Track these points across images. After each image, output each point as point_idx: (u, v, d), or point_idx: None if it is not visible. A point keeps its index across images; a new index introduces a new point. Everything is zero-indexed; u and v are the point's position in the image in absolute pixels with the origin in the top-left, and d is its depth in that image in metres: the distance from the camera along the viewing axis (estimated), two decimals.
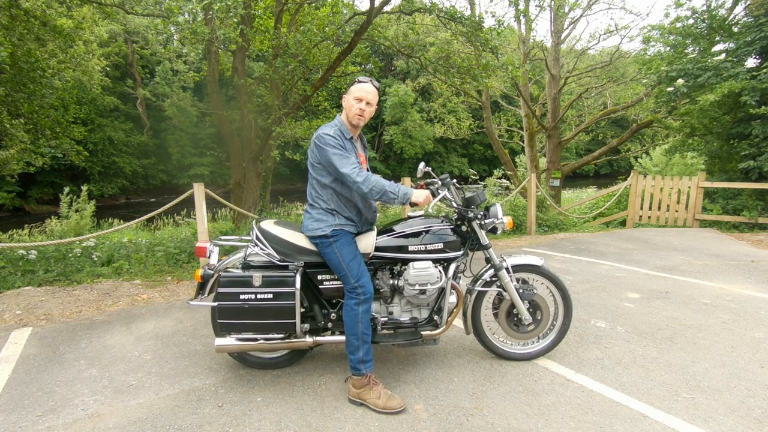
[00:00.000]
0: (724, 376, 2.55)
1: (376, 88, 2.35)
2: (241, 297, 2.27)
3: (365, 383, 2.27)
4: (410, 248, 2.45)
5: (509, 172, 12.36)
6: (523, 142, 13.37)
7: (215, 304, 2.32)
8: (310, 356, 2.81)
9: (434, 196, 2.48)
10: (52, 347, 2.99)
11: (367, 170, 2.48)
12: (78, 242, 5.16)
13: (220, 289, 2.28)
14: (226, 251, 2.70)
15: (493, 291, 2.66)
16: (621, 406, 2.24)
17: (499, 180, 11.24)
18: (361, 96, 2.29)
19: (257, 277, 2.29)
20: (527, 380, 2.51)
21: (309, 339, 2.44)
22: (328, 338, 2.48)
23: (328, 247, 2.32)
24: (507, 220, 2.54)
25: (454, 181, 2.59)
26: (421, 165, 2.63)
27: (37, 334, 3.22)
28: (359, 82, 2.33)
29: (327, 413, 2.21)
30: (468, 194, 2.53)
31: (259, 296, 2.27)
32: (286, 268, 2.40)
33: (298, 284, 2.30)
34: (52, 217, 7.42)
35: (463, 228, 2.55)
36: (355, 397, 2.29)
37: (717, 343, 2.99)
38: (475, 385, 2.46)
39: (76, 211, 7.34)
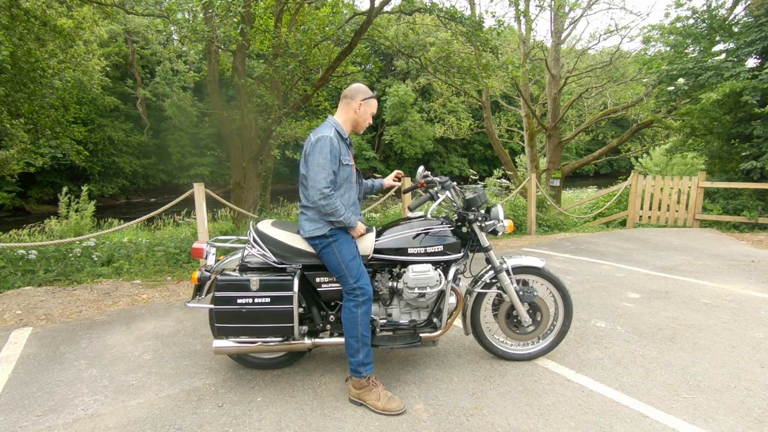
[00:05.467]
0: (725, 376, 2.54)
1: None
2: (239, 301, 2.25)
3: (365, 384, 2.27)
4: (410, 251, 2.42)
5: (509, 172, 12.36)
6: (523, 142, 13.37)
7: (212, 306, 2.30)
8: (310, 356, 2.81)
9: (434, 199, 2.49)
10: (52, 347, 2.99)
11: (356, 169, 2.50)
12: (78, 242, 5.16)
13: (217, 294, 2.26)
14: (223, 251, 2.70)
15: (492, 292, 2.65)
16: (621, 406, 2.24)
17: (499, 180, 11.26)
18: (375, 111, 2.45)
19: (254, 280, 2.26)
20: (527, 380, 2.50)
21: (308, 341, 2.42)
22: (326, 340, 2.46)
23: (326, 247, 2.28)
24: (508, 224, 2.52)
25: (454, 183, 2.58)
26: (420, 169, 2.62)
27: (37, 334, 3.22)
28: (374, 97, 2.43)
29: (327, 413, 2.21)
30: (469, 195, 2.50)
31: (256, 300, 2.25)
32: (283, 270, 2.37)
33: (296, 288, 2.27)
34: (52, 217, 7.40)
35: (464, 229, 2.52)
36: (355, 398, 2.29)
37: (717, 343, 2.99)
38: (475, 385, 2.46)
39: (76, 211, 7.33)
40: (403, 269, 2.47)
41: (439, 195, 2.48)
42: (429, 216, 2.54)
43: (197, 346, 3.00)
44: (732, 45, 8.63)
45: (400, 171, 2.87)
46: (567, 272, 4.82)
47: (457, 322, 2.95)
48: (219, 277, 2.31)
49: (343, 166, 2.29)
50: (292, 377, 2.56)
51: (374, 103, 2.42)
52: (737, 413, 2.18)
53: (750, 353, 2.82)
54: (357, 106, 2.36)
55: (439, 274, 2.41)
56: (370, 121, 2.44)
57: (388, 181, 2.79)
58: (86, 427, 2.11)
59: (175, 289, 4.35)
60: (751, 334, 3.11)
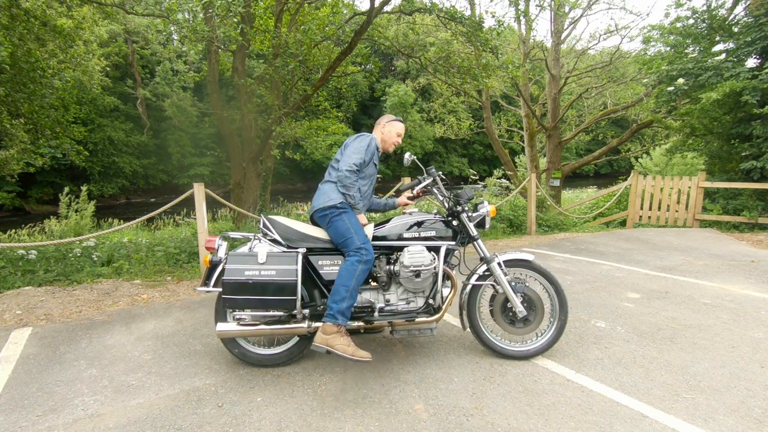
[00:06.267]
0: (724, 376, 2.55)
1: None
2: (246, 273, 2.38)
3: (336, 330, 2.37)
4: (405, 235, 2.64)
5: (509, 172, 12.36)
6: (523, 142, 13.37)
7: (221, 282, 2.41)
8: (310, 356, 2.81)
9: (420, 183, 2.82)
10: (52, 347, 2.99)
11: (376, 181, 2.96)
12: (78, 242, 5.16)
13: (228, 266, 2.40)
14: (232, 247, 2.78)
15: (487, 287, 2.74)
16: (621, 406, 2.24)
17: (499, 180, 11.25)
18: (401, 132, 2.95)
19: (262, 254, 2.43)
20: (527, 380, 2.51)
21: (309, 324, 2.51)
22: None
23: (336, 216, 2.57)
24: (490, 208, 2.73)
25: (440, 172, 2.84)
26: (407, 155, 2.82)
27: (37, 334, 3.22)
28: (399, 121, 2.96)
29: (327, 413, 2.21)
30: (457, 192, 2.76)
31: (262, 273, 2.39)
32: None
33: (299, 263, 2.43)
34: (52, 217, 7.40)
35: (454, 222, 2.72)
36: (322, 343, 2.37)
37: (717, 343, 2.99)
38: (475, 385, 2.46)
39: (76, 211, 7.32)
40: (399, 254, 2.64)
41: (426, 179, 2.78)
42: (414, 191, 2.86)
43: (197, 346, 3.00)
44: (732, 45, 8.63)
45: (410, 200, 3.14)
46: (567, 272, 4.82)
47: (458, 321, 2.95)
48: (230, 252, 2.49)
49: (371, 164, 2.77)
50: (292, 377, 2.56)
51: (398, 125, 2.91)
52: (737, 413, 2.18)
53: (750, 353, 2.83)
54: (382, 127, 2.90)
55: (433, 256, 2.58)
56: (397, 141, 2.92)
57: (402, 200, 3.15)
58: (86, 427, 2.11)
59: (175, 289, 4.35)
60: (751, 334, 3.11)
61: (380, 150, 2.90)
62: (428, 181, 2.77)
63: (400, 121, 2.96)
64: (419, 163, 2.85)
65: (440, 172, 2.84)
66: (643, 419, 2.14)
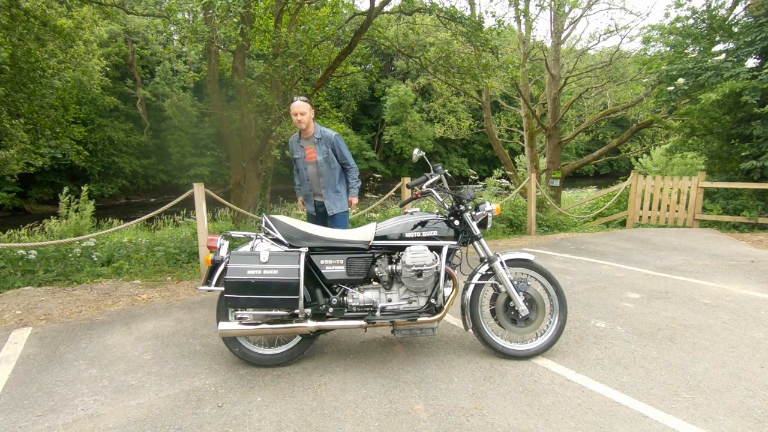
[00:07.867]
0: (724, 376, 2.54)
1: (302, 101, 3.39)
2: (249, 272, 2.39)
3: None
4: (407, 235, 2.64)
5: (509, 172, 12.36)
6: (523, 142, 13.38)
7: (224, 281, 2.41)
8: (310, 356, 2.81)
9: (428, 179, 2.79)
10: (52, 347, 2.99)
11: (317, 160, 3.56)
12: (78, 242, 5.16)
13: (230, 265, 2.40)
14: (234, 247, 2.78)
15: (489, 286, 2.75)
16: (621, 406, 2.24)
17: (499, 180, 11.25)
18: (294, 111, 3.41)
19: (264, 253, 2.43)
20: (527, 380, 2.51)
21: (311, 323, 2.52)
22: (330, 323, 2.56)
23: None
24: (495, 207, 2.74)
25: (446, 171, 2.85)
26: (416, 151, 2.81)
27: (37, 334, 3.22)
28: (292, 102, 3.42)
29: (327, 413, 2.21)
30: (459, 192, 2.77)
31: (265, 272, 2.39)
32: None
33: (302, 262, 2.43)
34: (51, 217, 7.39)
35: (456, 222, 2.70)
36: None
37: (717, 343, 2.99)
38: (475, 385, 2.46)
39: (76, 211, 7.32)
40: (401, 253, 2.64)
41: (434, 176, 2.77)
42: (422, 186, 2.84)
43: (197, 346, 3.00)
44: (732, 45, 8.63)
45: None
46: (567, 272, 4.82)
47: (458, 321, 2.95)
48: (232, 251, 2.49)
49: (294, 158, 3.63)
50: (292, 377, 2.56)
51: (291, 106, 3.41)
52: (737, 413, 2.18)
53: (750, 353, 2.82)
54: None
55: (435, 256, 2.57)
56: (295, 119, 3.42)
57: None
58: (86, 427, 2.11)
59: (175, 289, 4.35)
60: (751, 334, 3.11)
61: (299, 138, 3.59)
62: (435, 178, 2.76)
63: (293, 101, 3.39)
64: (427, 160, 2.85)
65: (446, 170, 2.85)
66: (643, 419, 2.14)
